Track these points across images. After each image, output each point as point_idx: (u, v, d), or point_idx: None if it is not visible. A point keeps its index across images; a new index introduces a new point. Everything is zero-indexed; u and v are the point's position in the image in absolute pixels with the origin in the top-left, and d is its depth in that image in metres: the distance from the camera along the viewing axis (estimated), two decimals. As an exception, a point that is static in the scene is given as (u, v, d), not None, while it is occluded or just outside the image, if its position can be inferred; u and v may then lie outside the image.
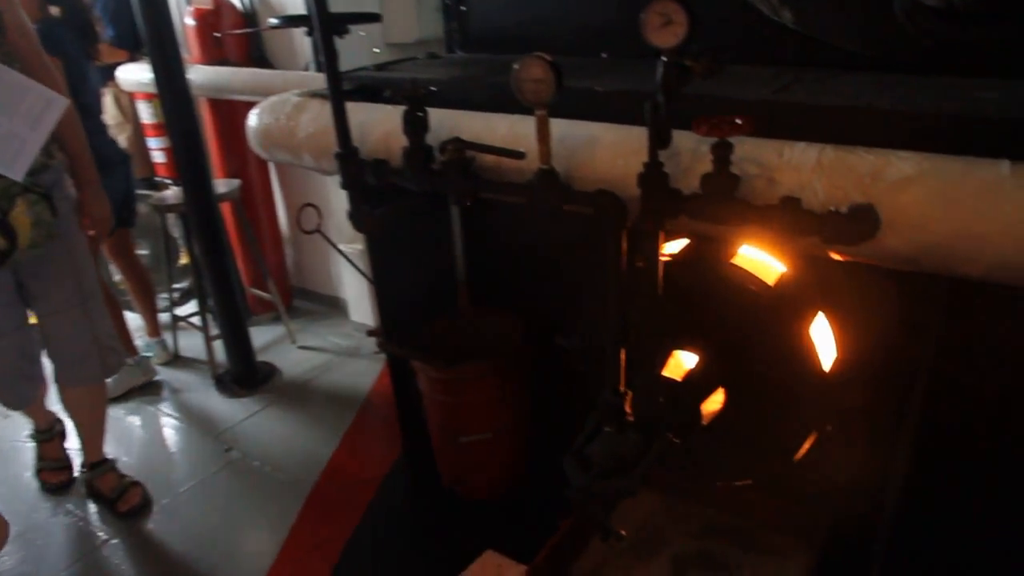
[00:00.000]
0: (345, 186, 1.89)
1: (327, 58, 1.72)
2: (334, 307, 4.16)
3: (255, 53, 3.70)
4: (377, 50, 3.35)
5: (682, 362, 1.62)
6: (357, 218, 1.95)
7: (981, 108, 1.31)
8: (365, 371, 3.54)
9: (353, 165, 1.84)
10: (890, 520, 1.61)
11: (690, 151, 1.38)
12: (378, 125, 1.89)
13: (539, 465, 2.43)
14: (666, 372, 1.59)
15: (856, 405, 1.61)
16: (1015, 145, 1.20)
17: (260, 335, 3.90)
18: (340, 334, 3.94)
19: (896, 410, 1.52)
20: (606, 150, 1.49)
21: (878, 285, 1.50)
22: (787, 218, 1.20)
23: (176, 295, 4.13)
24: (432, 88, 1.70)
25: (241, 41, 3.64)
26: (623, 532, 1.50)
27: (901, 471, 1.51)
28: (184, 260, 4.22)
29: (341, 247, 2.95)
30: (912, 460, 1.52)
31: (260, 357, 3.69)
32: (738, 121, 1.20)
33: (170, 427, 3.28)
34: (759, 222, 1.23)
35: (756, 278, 1.54)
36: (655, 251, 1.34)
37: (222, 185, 3.55)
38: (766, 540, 2.10)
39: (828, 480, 1.76)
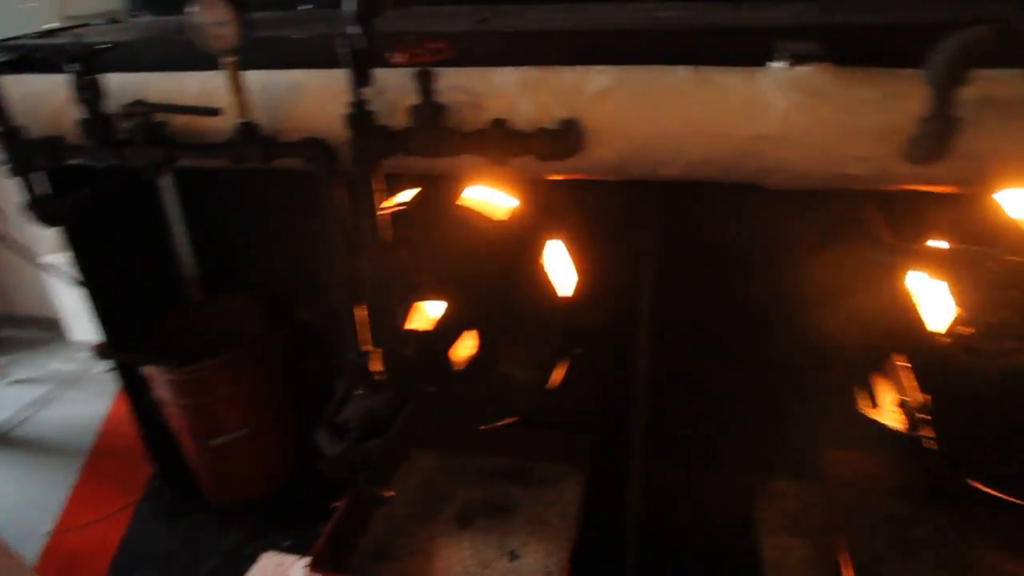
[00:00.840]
0: (15, 172, 1.60)
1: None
2: (51, 329, 3.59)
3: None
4: (55, 24, 2.89)
5: (428, 312, 1.58)
6: (37, 209, 1.66)
7: (661, 23, 1.39)
8: (98, 393, 3.11)
9: (18, 146, 1.55)
10: (642, 420, 1.71)
11: (398, 87, 1.31)
12: (48, 98, 1.61)
13: (315, 453, 2.29)
14: (413, 324, 1.54)
15: (599, 322, 1.68)
16: (691, 52, 1.29)
17: (-44, 377, 3.28)
18: (61, 358, 3.43)
19: (633, 318, 1.60)
20: (311, 96, 1.38)
21: (600, 202, 1.56)
22: (498, 140, 1.19)
23: None
24: (103, 45, 1.48)
25: None
26: (391, 493, 1.44)
27: (643, 367, 1.60)
28: None
29: (48, 258, 2.54)
30: (650, 356, 1.62)
31: (-41, 402, 3.10)
32: (438, 46, 1.16)
33: None
34: (471, 148, 1.21)
35: (483, 216, 1.53)
36: (370, 196, 1.26)
37: None
38: (540, 472, 2.17)
39: (584, 401, 1.83)
